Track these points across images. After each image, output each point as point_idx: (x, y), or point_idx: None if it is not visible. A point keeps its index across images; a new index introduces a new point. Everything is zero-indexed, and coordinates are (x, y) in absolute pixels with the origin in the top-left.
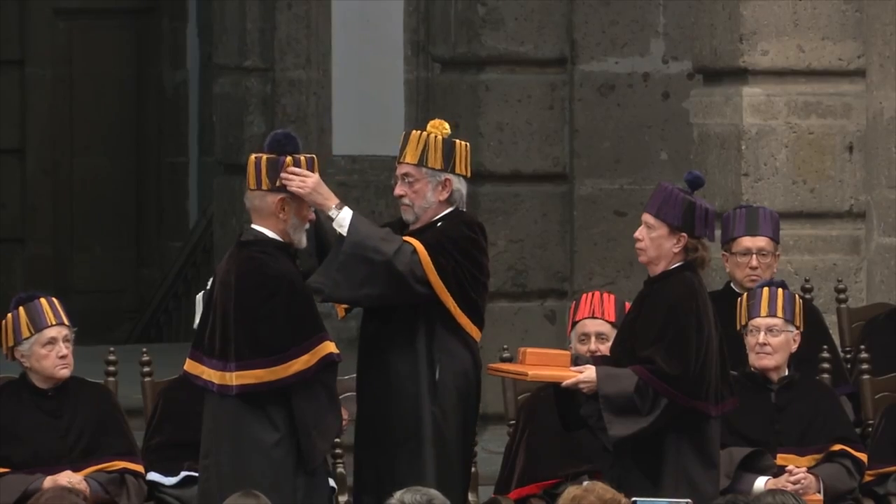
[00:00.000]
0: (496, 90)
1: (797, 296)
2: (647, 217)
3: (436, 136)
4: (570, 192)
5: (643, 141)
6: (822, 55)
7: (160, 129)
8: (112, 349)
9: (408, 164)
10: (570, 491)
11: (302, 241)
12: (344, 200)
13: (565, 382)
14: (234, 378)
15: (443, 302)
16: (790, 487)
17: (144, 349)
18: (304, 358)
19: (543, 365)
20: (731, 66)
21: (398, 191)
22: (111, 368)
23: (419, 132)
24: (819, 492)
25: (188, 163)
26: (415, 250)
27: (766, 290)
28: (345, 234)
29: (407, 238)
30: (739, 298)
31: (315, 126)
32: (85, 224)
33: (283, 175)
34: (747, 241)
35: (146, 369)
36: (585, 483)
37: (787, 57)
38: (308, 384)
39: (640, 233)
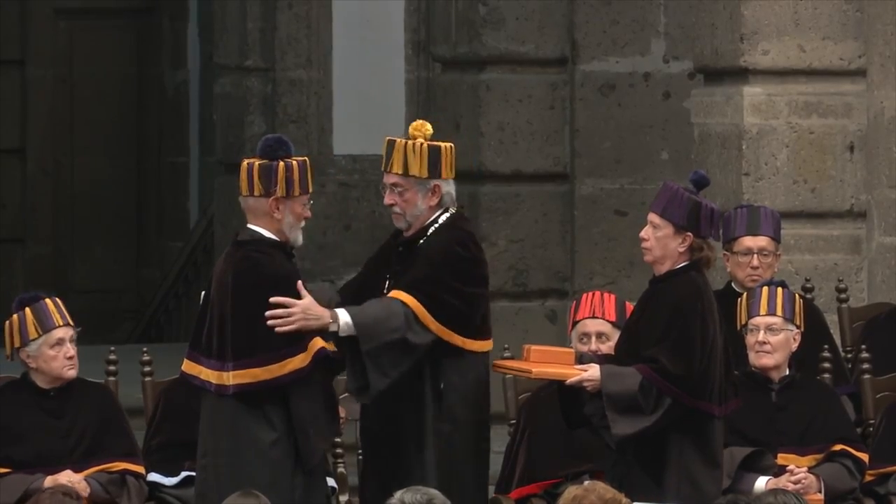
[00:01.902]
0: (497, 90)
1: (797, 295)
2: (652, 216)
3: (421, 144)
4: (571, 191)
5: (644, 141)
6: (822, 55)
7: (161, 128)
8: (112, 349)
9: (395, 174)
10: (571, 491)
11: (298, 239)
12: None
13: (569, 380)
14: (231, 378)
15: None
16: (791, 487)
17: (145, 349)
18: (300, 356)
19: (547, 362)
20: (731, 66)
21: (388, 200)
22: (112, 368)
23: (403, 141)
24: (820, 491)
25: (189, 163)
26: (407, 307)
27: (765, 289)
28: (356, 333)
29: (396, 294)
30: (739, 298)
31: (315, 126)
32: (85, 224)
33: (269, 321)
34: (748, 241)
35: (146, 369)
36: (586, 483)
37: (787, 57)
38: (305, 383)
39: (645, 232)
